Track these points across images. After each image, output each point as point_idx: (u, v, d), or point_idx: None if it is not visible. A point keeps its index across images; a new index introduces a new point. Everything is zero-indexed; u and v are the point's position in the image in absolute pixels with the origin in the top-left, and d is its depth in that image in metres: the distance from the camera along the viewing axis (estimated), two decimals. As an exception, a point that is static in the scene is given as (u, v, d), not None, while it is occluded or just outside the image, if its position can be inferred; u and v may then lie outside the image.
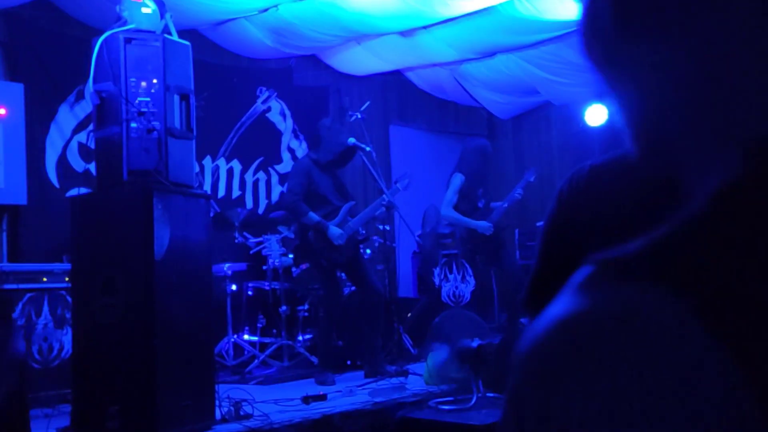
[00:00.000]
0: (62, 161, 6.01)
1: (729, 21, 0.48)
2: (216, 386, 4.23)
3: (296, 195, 5.61)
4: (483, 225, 6.53)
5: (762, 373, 0.40)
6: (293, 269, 6.39)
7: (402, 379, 5.35)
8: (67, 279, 4.87)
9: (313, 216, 5.55)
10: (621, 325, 0.42)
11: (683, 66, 0.51)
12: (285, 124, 7.69)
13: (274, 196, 7.47)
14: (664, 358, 0.41)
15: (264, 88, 7.47)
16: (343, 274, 5.97)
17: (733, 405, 0.40)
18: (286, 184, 6.09)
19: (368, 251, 6.62)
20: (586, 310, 0.44)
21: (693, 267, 0.43)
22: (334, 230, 5.56)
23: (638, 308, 0.42)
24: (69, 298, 4.77)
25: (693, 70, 0.50)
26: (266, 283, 6.41)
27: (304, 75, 7.79)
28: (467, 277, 6.85)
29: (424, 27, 6.70)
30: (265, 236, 6.46)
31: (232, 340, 6.15)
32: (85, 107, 5.94)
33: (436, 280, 7.10)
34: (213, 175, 7.06)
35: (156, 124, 4.01)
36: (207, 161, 6.98)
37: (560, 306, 0.45)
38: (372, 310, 5.72)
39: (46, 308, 4.93)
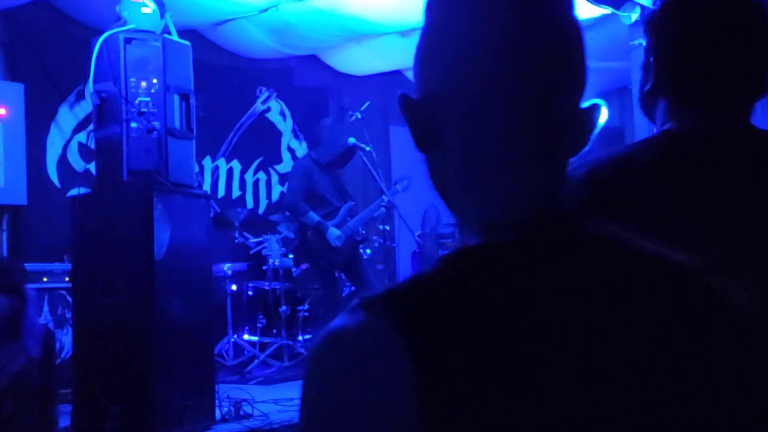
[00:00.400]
0: (62, 161, 6.01)
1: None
2: (216, 386, 4.23)
3: (296, 194, 5.61)
4: None
5: (428, 373, 0.65)
6: (293, 269, 6.39)
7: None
8: (67, 279, 4.87)
9: (313, 216, 5.55)
10: (339, 335, 0.70)
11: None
12: (285, 124, 7.70)
13: (275, 196, 7.47)
14: (362, 354, 0.68)
15: (264, 88, 7.46)
16: (342, 275, 5.97)
17: (402, 390, 0.65)
18: (286, 184, 6.09)
19: (368, 251, 6.62)
20: (330, 327, 0.71)
21: (403, 303, 0.71)
22: (332, 231, 5.57)
23: (357, 326, 0.69)
24: (69, 298, 4.77)
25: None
26: (266, 283, 6.41)
27: (304, 75, 7.79)
28: None
29: (424, 27, 6.70)
30: (265, 236, 6.46)
31: (232, 340, 6.15)
32: (86, 107, 5.94)
33: (436, 280, 7.09)
34: (213, 175, 7.06)
35: (156, 124, 4.01)
36: (207, 161, 6.98)
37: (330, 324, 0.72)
38: None
39: (46, 308, 4.93)
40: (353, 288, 6.14)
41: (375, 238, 6.85)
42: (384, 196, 5.80)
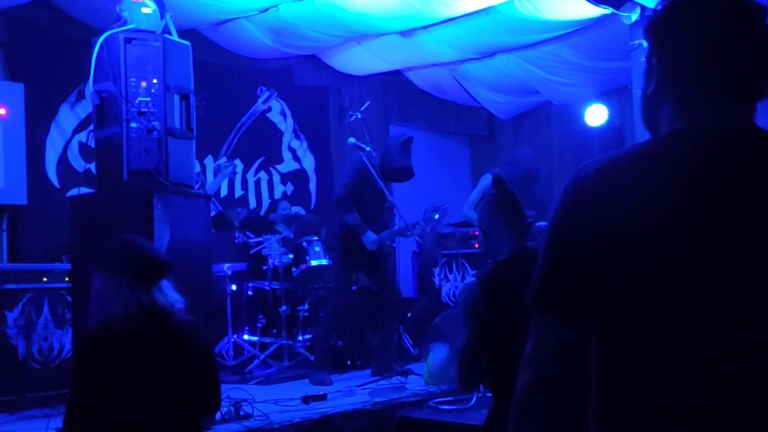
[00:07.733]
0: (63, 161, 6.01)
1: None
2: (216, 386, 4.22)
3: (347, 192, 5.61)
4: None
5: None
6: (293, 269, 6.39)
7: (402, 379, 5.36)
8: (67, 279, 4.87)
9: (356, 217, 5.56)
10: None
11: None
12: (285, 124, 7.70)
13: (276, 196, 7.48)
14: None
15: (264, 88, 7.45)
16: (353, 276, 6.00)
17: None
18: (340, 178, 6.03)
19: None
20: None
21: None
22: (370, 235, 5.59)
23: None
24: (69, 298, 4.77)
25: None
26: (266, 283, 6.40)
27: (304, 75, 7.79)
28: (467, 277, 6.85)
29: (424, 27, 6.70)
30: (266, 236, 6.45)
31: (232, 340, 6.15)
32: (86, 107, 5.94)
33: (436, 280, 7.10)
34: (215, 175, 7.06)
35: (156, 124, 4.01)
36: (209, 161, 6.98)
37: None
38: (391, 310, 5.77)
39: (46, 308, 4.93)
40: (354, 288, 6.18)
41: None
42: (417, 223, 5.81)
